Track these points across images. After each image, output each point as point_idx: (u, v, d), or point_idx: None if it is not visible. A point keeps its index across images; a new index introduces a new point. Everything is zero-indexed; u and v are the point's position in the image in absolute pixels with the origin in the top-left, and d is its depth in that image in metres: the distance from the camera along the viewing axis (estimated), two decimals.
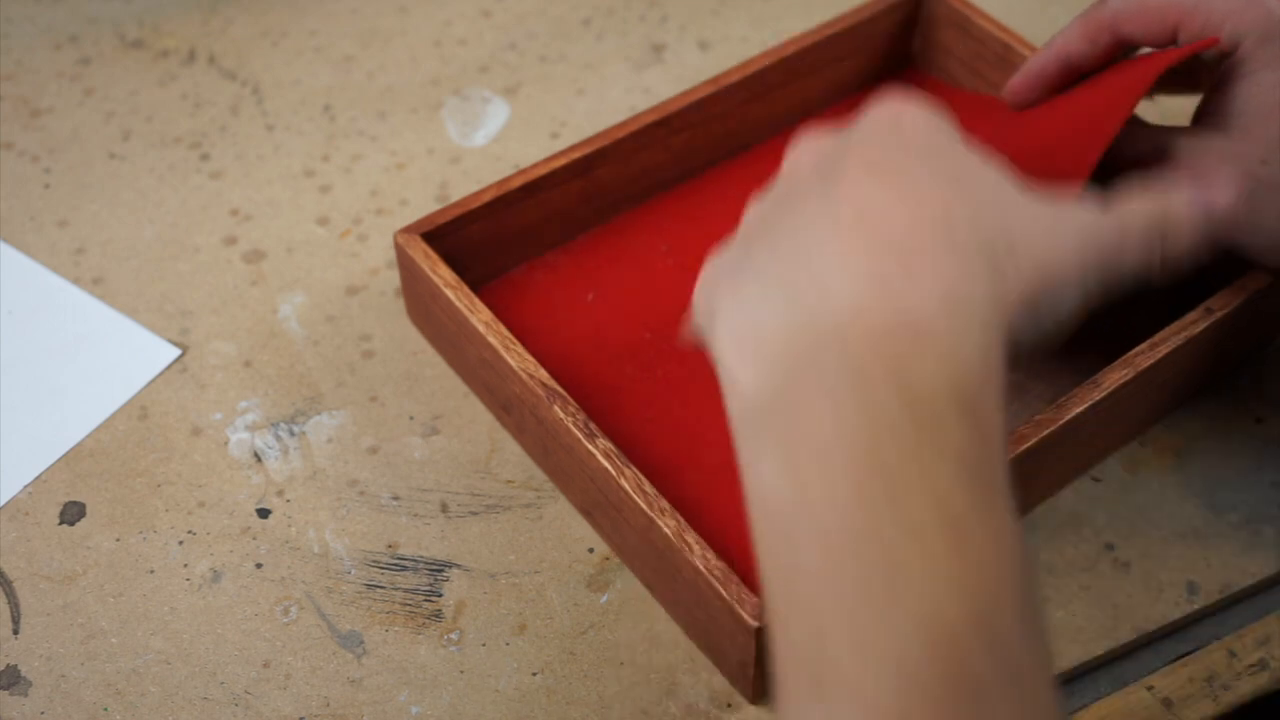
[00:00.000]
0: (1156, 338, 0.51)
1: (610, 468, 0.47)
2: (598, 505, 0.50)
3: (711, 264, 0.42)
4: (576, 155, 0.57)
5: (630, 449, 0.52)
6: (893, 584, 0.33)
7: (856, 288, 0.36)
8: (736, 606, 0.44)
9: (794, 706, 0.34)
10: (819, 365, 0.35)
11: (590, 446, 0.48)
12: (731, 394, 0.37)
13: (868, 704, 0.32)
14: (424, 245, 0.54)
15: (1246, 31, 0.48)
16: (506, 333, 0.51)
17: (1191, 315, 0.51)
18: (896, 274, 0.36)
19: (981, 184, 0.39)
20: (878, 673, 0.32)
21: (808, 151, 0.41)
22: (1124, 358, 0.50)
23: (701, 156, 0.61)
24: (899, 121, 0.40)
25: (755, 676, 0.46)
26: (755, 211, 0.42)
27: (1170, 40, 0.51)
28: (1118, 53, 0.53)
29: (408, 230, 0.54)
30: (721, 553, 0.47)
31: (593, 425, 0.48)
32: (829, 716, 0.32)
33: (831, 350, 0.35)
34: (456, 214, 0.55)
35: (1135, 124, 0.52)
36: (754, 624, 0.44)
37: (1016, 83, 0.55)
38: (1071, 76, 0.54)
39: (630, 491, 0.47)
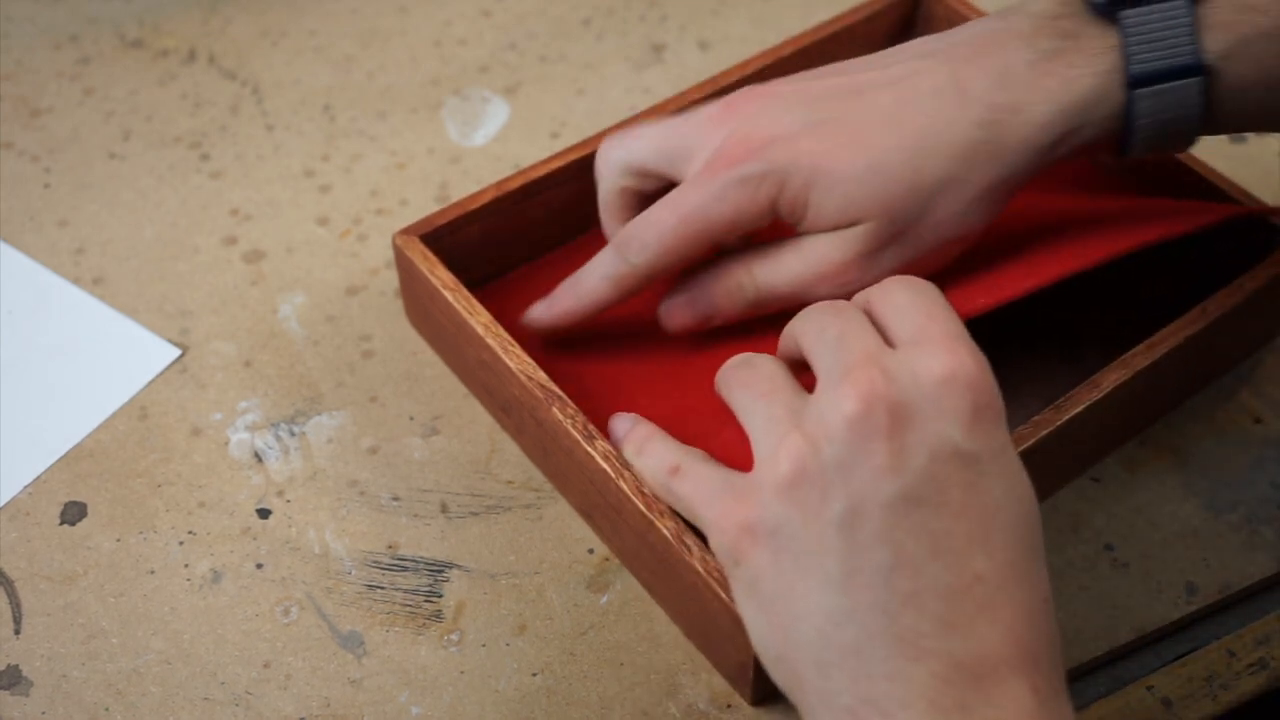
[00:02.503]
0: (1154, 338, 0.51)
1: (609, 470, 0.47)
2: (597, 507, 0.50)
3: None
4: (576, 155, 0.57)
5: None
6: None
7: (999, 715, 0.37)
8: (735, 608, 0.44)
9: None
10: None
11: (589, 449, 0.48)
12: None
13: None
14: (422, 247, 0.54)
15: (782, 207, 0.48)
16: (505, 335, 0.51)
17: (1189, 316, 0.51)
18: (1033, 708, 0.37)
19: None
20: None
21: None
22: (1121, 358, 0.50)
23: None
24: (976, 421, 0.39)
25: (755, 678, 0.46)
26: (816, 506, 0.39)
27: (713, 251, 0.50)
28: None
29: (406, 232, 0.54)
30: None
31: (591, 427, 0.48)
32: None
33: None
34: (455, 215, 0.55)
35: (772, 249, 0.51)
36: None
37: (544, 316, 0.54)
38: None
39: (629, 494, 0.47)
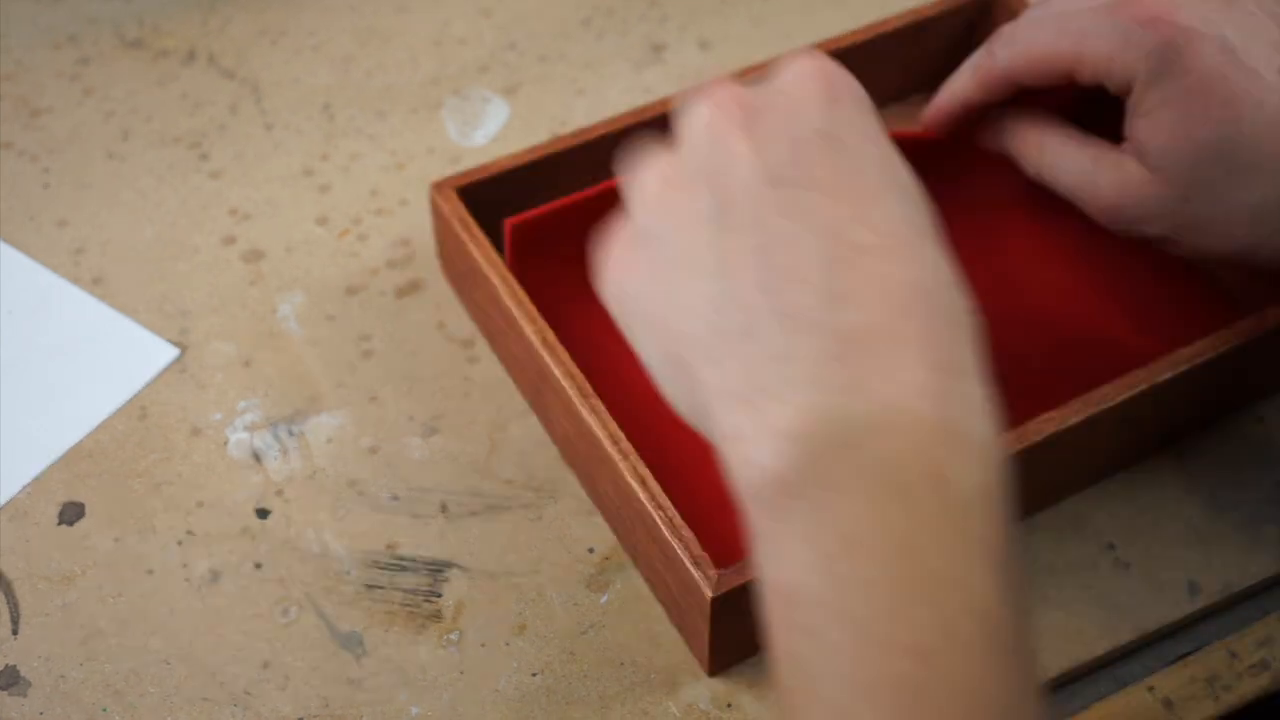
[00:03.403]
0: (1170, 358, 0.50)
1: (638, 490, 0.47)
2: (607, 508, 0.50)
3: (627, 260, 0.40)
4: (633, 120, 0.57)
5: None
6: (927, 689, 0.32)
7: (892, 390, 0.35)
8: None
9: None
10: (855, 457, 0.34)
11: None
12: (743, 472, 0.36)
13: None
14: (483, 240, 0.54)
15: (1132, 73, 0.47)
16: (569, 362, 0.50)
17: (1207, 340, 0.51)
18: (931, 381, 0.35)
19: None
20: None
21: (726, 132, 0.39)
22: (1126, 377, 0.50)
23: None
24: (832, 103, 0.39)
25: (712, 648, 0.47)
26: (743, 159, 0.38)
27: (1067, 85, 0.50)
28: (1016, 95, 0.52)
29: (444, 188, 0.55)
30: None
31: (623, 444, 0.48)
32: None
33: (869, 444, 0.34)
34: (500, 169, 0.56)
35: (1071, 136, 0.52)
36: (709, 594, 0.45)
37: (928, 117, 0.55)
38: (975, 116, 0.54)
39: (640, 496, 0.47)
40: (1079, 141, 0.51)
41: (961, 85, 0.53)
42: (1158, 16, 0.47)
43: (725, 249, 0.37)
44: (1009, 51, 0.51)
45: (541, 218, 0.53)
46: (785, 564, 0.34)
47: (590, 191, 0.53)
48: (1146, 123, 0.48)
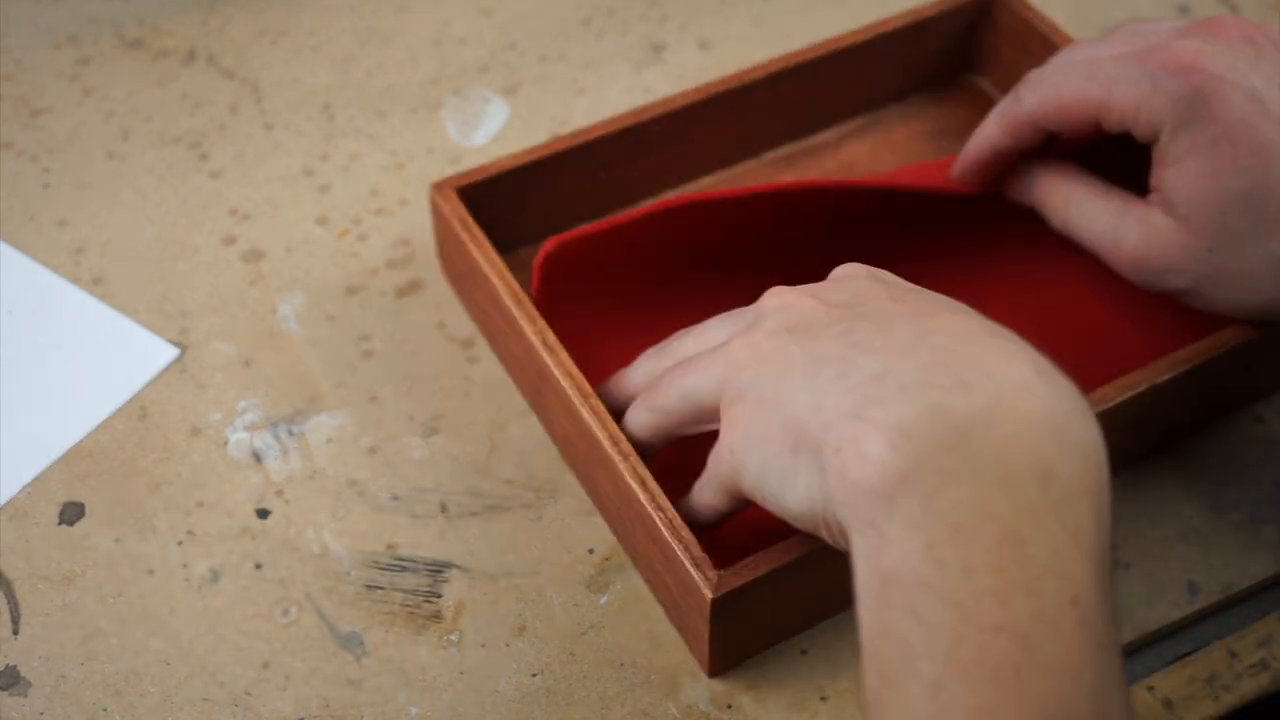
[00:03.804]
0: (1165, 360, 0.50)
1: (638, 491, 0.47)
2: (607, 509, 0.50)
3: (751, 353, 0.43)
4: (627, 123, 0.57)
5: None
6: (1023, 671, 0.34)
7: (998, 386, 0.37)
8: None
9: None
10: (964, 448, 0.36)
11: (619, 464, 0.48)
12: (856, 468, 0.37)
13: None
14: (484, 242, 0.54)
15: (1160, 120, 0.48)
16: (569, 362, 0.50)
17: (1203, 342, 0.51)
18: (1035, 379, 0.37)
19: None
20: None
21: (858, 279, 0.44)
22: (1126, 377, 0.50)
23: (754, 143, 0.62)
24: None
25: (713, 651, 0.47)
26: (809, 307, 0.42)
27: (1094, 132, 0.51)
28: (1043, 142, 0.53)
29: (444, 189, 0.55)
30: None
31: (622, 445, 0.48)
32: None
33: (976, 436, 0.36)
34: (498, 170, 0.56)
35: (1096, 189, 0.52)
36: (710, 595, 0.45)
37: (956, 170, 0.56)
38: (1006, 165, 0.54)
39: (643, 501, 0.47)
40: (1104, 194, 0.51)
41: (989, 132, 0.53)
42: (1186, 64, 0.47)
43: (814, 355, 0.41)
44: (1036, 97, 0.51)
45: (575, 242, 0.53)
46: (890, 551, 0.36)
47: (621, 219, 0.53)
48: (1173, 171, 0.48)
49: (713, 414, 0.44)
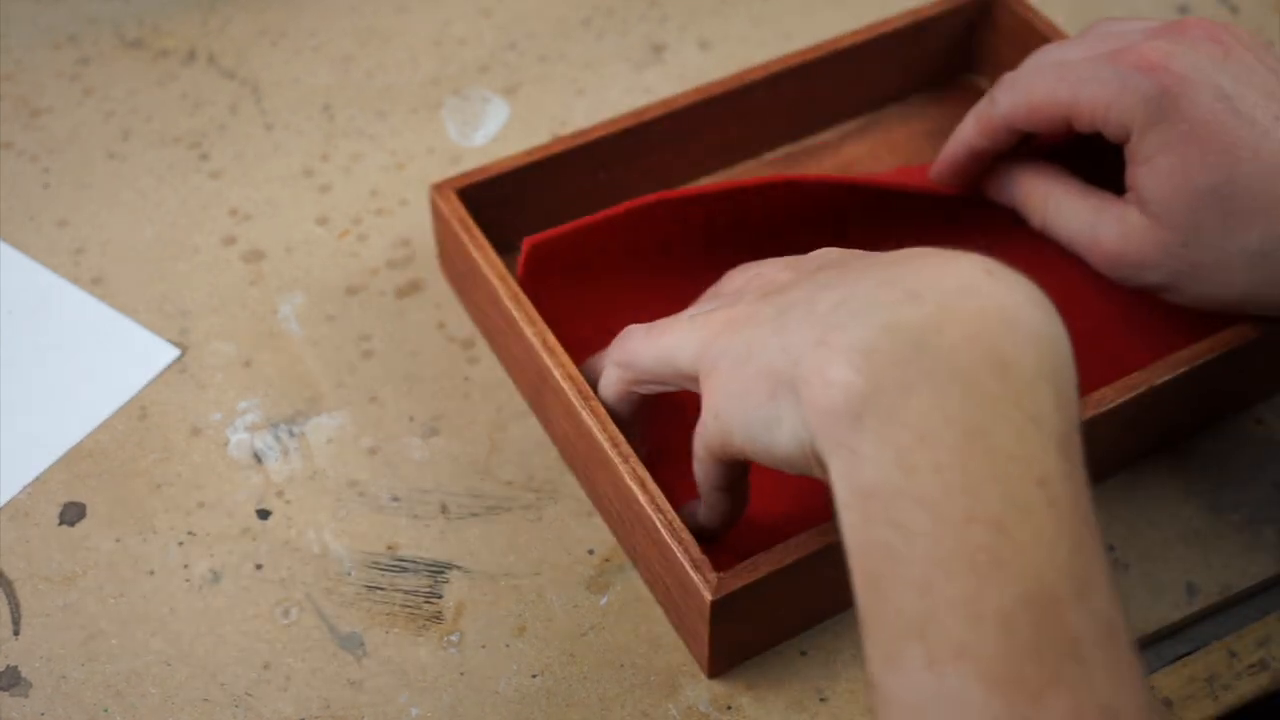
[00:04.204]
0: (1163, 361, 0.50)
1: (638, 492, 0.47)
2: (606, 509, 0.50)
3: (725, 321, 0.44)
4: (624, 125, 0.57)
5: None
6: (999, 555, 0.35)
7: (945, 291, 0.38)
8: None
9: (900, 680, 0.35)
10: (918, 358, 0.37)
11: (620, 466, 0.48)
12: (823, 395, 0.38)
13: (981, 668, 0.34)
14: (478, 233, 0.54)
15: (1130, 120, 0.49)
16: (569, 363, 0.51)
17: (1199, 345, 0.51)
18: (983, 278, 0.38)
19: None
20: (989, 638, 0.34)
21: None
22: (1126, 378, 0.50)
23: (751, 145, 0.63)
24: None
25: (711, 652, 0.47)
26: (779, 269, 0.45)
27: (1067, 132, 0.52)
28: (1018, 143, 0.54)
29: (444, 189, 0.55)
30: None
31: (622, 446, 0.48)
32: (940, 682, 0.34)
33: (929, 343, 0.37)
34: (500, 171, 0.56)
35: (1074, 188, 0.53)
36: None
37: (935, 171, 0.57)
38: (983, 165, 0.55)
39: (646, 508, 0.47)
40: (1082, 193, 0.53)
41: (965, 134, 0.55)
42: (1154, 65, 0.48)
43: (782, 306, 0.42)
44: (1009, 99, 0.52)
45: (559, 238, 0.53)
46: (865, 468, 0.37)
47: (603, 215, 0.54)
48: (1145, 170, 0.49)
49: (686, 379, 0.45)
